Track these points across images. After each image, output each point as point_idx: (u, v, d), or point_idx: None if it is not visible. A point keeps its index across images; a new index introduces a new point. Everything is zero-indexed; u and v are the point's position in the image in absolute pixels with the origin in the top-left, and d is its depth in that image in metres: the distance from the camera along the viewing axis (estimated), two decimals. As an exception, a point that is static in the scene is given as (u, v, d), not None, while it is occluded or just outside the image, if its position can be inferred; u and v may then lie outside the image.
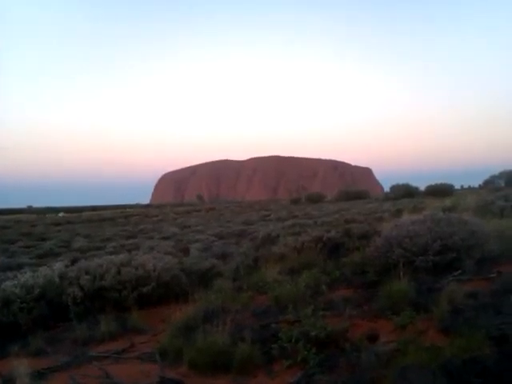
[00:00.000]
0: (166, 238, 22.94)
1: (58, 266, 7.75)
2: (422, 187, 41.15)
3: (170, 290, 7.41)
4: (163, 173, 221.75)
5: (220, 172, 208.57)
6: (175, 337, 4.90)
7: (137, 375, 4.29)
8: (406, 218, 8.21)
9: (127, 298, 6.87)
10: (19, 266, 13.66)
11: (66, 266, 7.82)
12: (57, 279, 7.21)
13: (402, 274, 5.54)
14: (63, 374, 4.58)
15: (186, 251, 12.72)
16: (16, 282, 7.00)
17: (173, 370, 4.28)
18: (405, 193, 38.95)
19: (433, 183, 40.00)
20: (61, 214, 68.53)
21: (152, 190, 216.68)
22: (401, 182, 42.32)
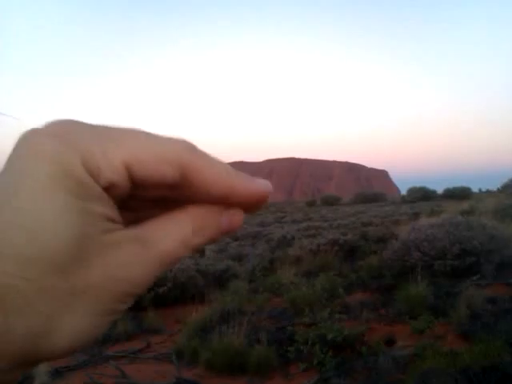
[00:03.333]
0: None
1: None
2: (440, 190, 40.75)
3: (185, 290, 7.44)
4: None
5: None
6: (191, 337, 4.91)
7: (153, 375, 4.31)
8: (423, 221, 8.14)
9: (143, 298, 6.91)
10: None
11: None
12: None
13: (419, 277, 5.49)
14: (80, 372, 4.63)
15: (201, 252, 12.77)
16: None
17: (189, 371, 4.30)
18: (422, 196, 38.58)
19: (450, 186, 39.59)
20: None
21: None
22: (418, 184, 41.92)
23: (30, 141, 0.27)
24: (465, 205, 16.76)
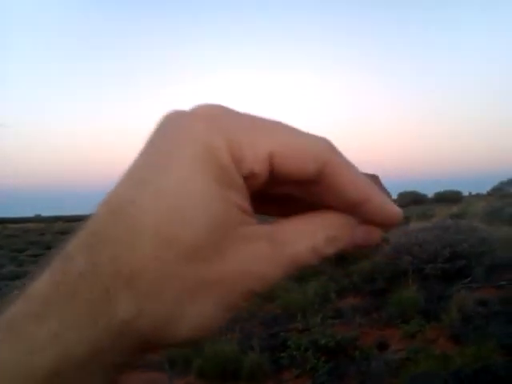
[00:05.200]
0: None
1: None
2: (430, 194, 40.95)
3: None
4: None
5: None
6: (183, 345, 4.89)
7: (145, 384, 4.28)
8: (414, 225, 8.18)
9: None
10: (28, 275, 13.70)
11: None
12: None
13: (411, 281, 5.51)
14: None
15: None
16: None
17: (181, 379, 4.27)
18: (413, 200, 38.73)
19: (441, 190, 39.78)
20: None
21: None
22: (408, 189, 42.06)
23: (178, 122, 0.27)
24: (455, 208, 16.87)
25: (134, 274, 0.24)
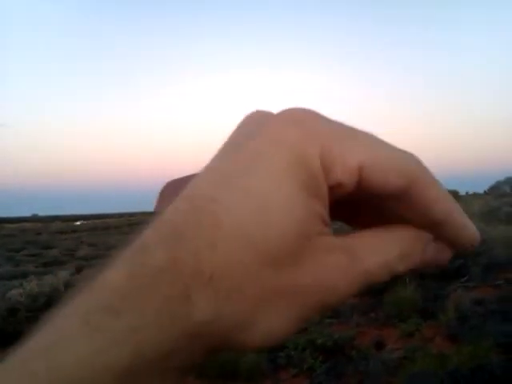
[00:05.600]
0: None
1: (64, 274, 7.77)
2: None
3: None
4: (168, 179, 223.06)
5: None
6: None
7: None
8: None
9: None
10: (24, 275, 13.66)
11: (72, 275, 7.84)
12: (62, 287, 7.22)
13: (408, 280, 5.51)
14: None
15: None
16: (21, 290, 7.01)
17: (179, 379, 4.28)
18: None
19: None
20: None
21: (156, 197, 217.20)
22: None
23: (266, 124, 0.26)
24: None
25: (214, 274, 0.23)
